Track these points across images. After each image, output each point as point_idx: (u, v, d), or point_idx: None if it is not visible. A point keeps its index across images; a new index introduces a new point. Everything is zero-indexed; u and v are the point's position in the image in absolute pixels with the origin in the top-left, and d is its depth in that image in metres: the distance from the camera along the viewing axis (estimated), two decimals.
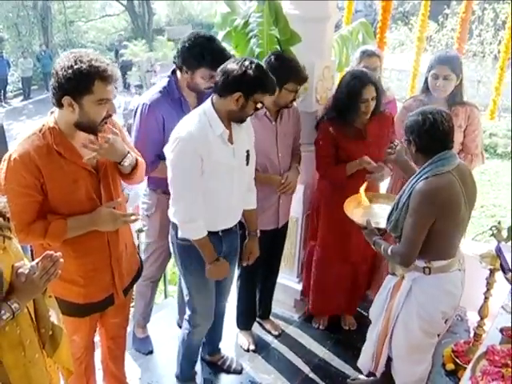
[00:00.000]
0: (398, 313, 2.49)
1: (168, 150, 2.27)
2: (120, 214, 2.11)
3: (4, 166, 1.93)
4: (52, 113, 2.02)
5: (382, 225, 2.46)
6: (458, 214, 2.26)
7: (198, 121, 2.26)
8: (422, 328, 2.44)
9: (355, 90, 2.78)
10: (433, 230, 2.26)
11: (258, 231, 2.70)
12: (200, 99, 2.62)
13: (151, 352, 3.18)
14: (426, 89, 3.03)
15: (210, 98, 2.32)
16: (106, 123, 2.00)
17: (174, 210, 2.34)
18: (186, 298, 2.62)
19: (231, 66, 2.22)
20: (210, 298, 2.60)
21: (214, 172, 2.29)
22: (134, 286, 3.06)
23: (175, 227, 2.42)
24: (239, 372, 3.04)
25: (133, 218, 2.16)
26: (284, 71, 2.66)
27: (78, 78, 1.85)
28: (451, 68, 2.90)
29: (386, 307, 2.56)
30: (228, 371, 3.03)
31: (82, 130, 1.97)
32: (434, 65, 2.95)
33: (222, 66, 2.26)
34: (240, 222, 2.64)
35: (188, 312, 2.65)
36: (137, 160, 2.21)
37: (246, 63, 2.20)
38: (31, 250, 2.35)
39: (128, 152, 2.12)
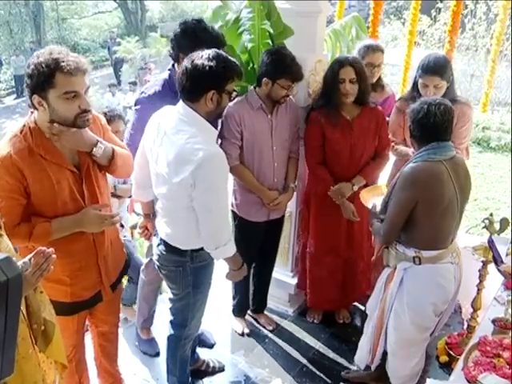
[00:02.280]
0: (391, 304, 2.51)
1: (203, 171, 2.03)
2: (107, 216, 2.07)
3: None
4: (32, 112, 1.97)
5: None
6: (441, 202, 2.30)
7: (207, 137, 2.14)
8: (413, 321, 2.46)
9: (334, 70, 2.82)
10: (415, 216, 2.32)
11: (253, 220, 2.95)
12: None
13: (158, 354, 3.12)
14: (416, 90, 2.96)
15: (182, 111, 2.12)
16: (86, 119, 1.91)
17: (220, 236, 2.17)
18: (181, 315, 2.49)
19: (190, 65, 2.05)
20: (204, 308, 2.57)
21: None
22: (138, 292, 3.05)
23: (187, 254, 2.28)
24: (223, 369, 3.03)
25: (117, 218, 2.12)
26: (277, 66, 2.66)
27: (38, 73, 1.80)
28: (441, 77, 2.83)
29: (381, 298, 2.58)
30: (213, 372, 3.01)
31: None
32: (422, 74, 2.87)
33: (180, 70, 2.09)
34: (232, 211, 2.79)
35: (178, 327, 2.52)
36: (113, 151, 2.10)
37: (205, 56, 2.05)
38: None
39: (98, 141, 2.01)
